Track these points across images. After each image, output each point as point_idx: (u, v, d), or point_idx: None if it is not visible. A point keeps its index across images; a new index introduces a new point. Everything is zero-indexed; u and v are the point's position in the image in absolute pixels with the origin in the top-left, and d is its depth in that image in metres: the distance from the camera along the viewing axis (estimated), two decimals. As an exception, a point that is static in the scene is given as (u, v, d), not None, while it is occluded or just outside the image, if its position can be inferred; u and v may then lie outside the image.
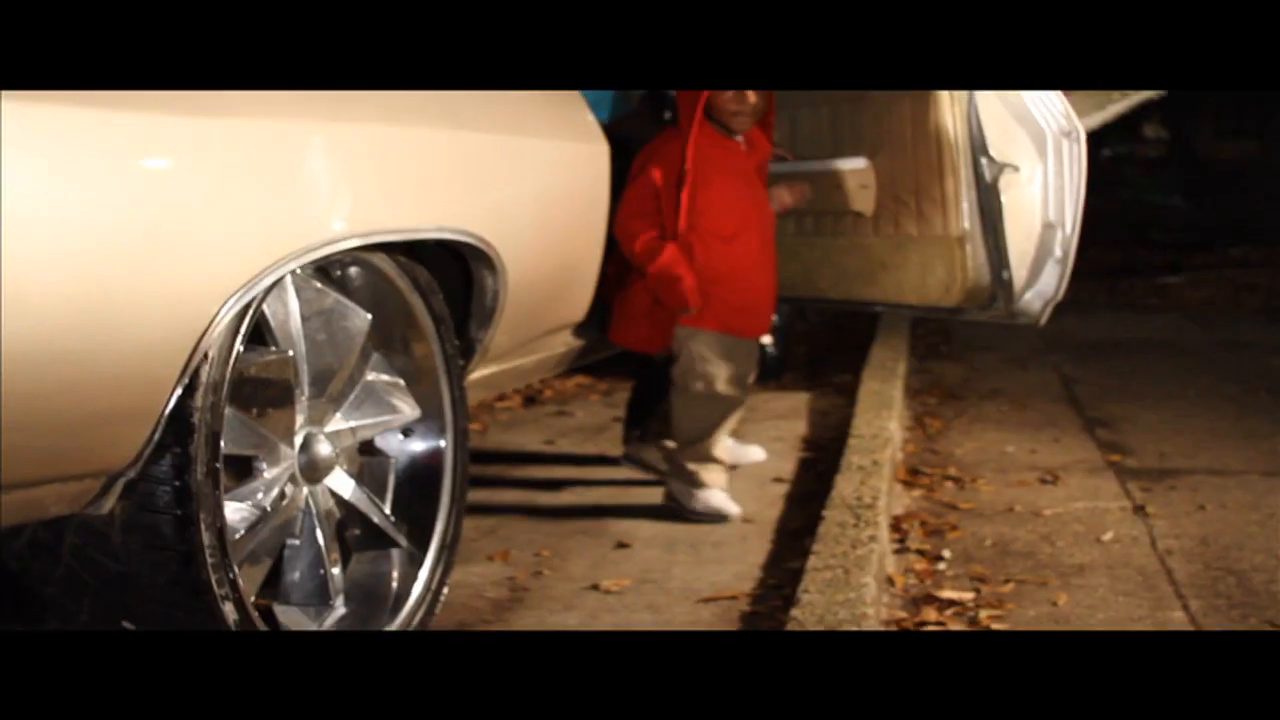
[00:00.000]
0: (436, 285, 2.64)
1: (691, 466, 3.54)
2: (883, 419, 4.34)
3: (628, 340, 3.59)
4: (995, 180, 3.48)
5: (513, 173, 2.80)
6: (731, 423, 3.61)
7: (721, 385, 3.54)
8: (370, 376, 2.58)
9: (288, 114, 2.08)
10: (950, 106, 3.49)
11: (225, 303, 1.92)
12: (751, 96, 3.49)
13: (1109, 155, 23.13)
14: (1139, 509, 3.72)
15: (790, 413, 3.55)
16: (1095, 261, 9.59)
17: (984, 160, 3.49)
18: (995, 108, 3.51)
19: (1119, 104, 9.89)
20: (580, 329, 3.40)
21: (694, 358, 3.52)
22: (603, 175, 3.21)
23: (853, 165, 3.76)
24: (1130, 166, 22.73)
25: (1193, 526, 3.55)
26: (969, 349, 6.52)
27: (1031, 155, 3.52)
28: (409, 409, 2.64)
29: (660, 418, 3.88)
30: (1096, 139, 9.80)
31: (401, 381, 2.65)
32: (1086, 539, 3.46)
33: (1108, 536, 3.46)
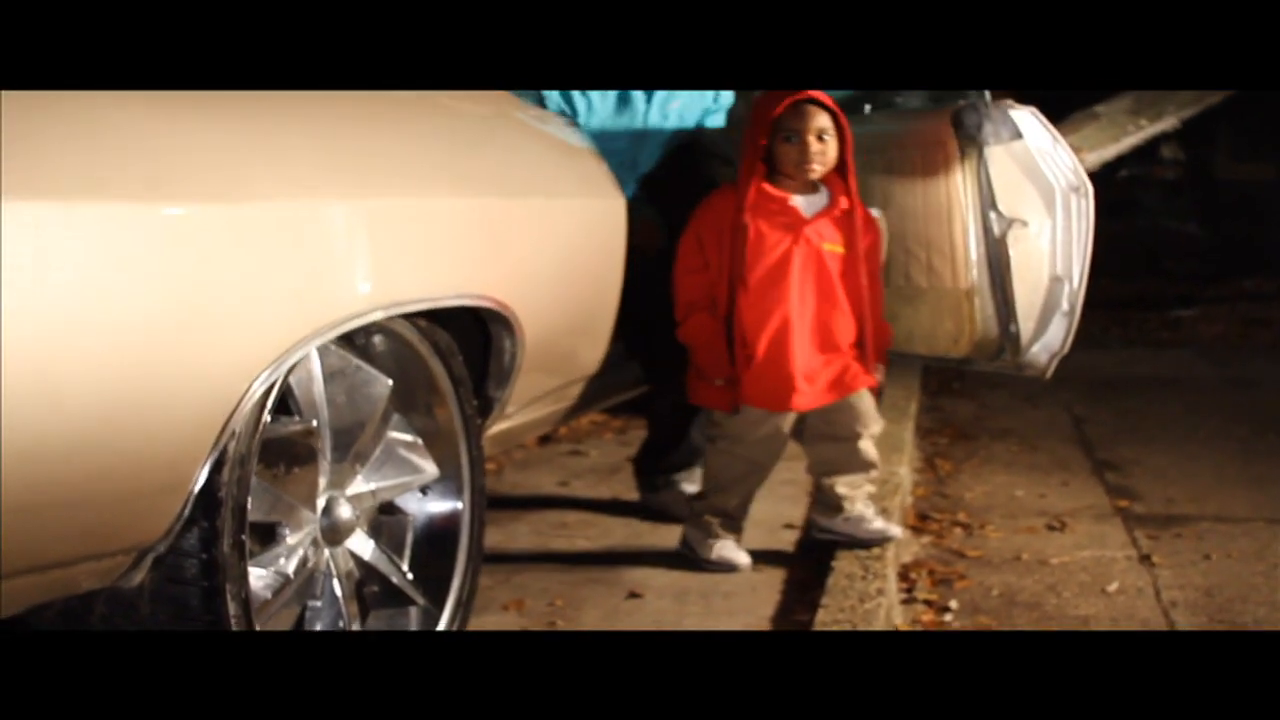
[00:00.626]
0: (456, 348, 2.71)
1: (708, 517, 3.59)
2: (893, 463, 4.39)
3: (705, 400, 3.56)
4: (1004, 234, 3.54)
5: (531, 235, 2.87)
6: (751, 486, 3.61)
7: (743, 449, 3.54)
8: (390, 436, 2.65)
9: (311, 192, 2.15)
10: (960, 161, 3.56)
11: (254, 380, 1.99)
12: (812, 144, 3.36)
13: (1125, 176, 23.09)
14: (1145, 558, 3.77)
15: (801, 454, 3.60)
16: (1108, 292, 9.61)
17: (993, 214, 3.55)
18: (1005, 163, 3.57)
19: (1134, 136, 9.97)
20: (596, 379, 3.46)
21: (721, 419, 3.56)
22: (619, 230, 3.27)
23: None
24: (1146, 189, 22.67)
25: (1198, 577, 3.60)
26: (980, 385, 6.56)
27: (1040, 210, 3.57)
28: (428, 469, 2.70)
29: (672, 465, 3.95)
30: (1113, 163, 9.84)
31: (420, 441, 2.71)
32: (1092, 589, 3.51)
33: (1113, 587, 3.52)
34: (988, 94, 3.61)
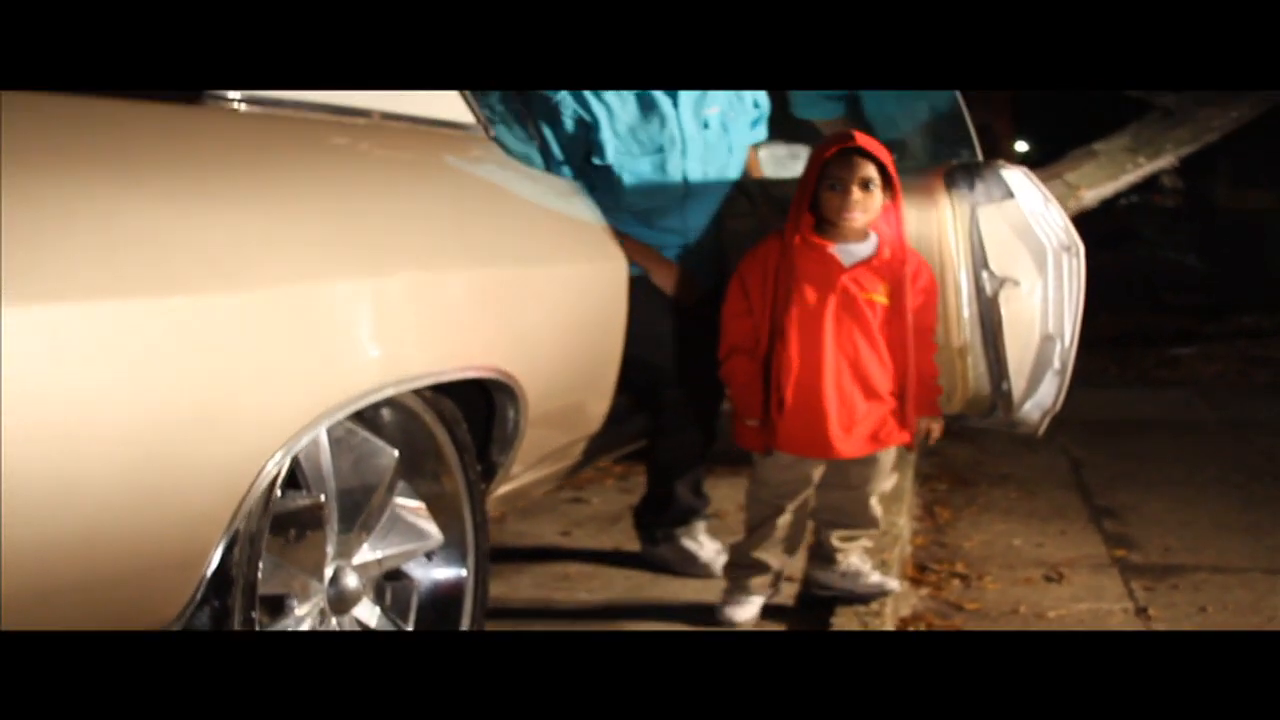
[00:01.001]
0: (460, 415, 2.77)
1: (732, 567, 3.63)
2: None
3: (742, 440, 3.55)
4: (996, 294, 3.61)
5: (533, 303, 2.93)
6: (771, 530, 3.58)
7: (767, 492, 3.57)
8: (396, 503, 2.71)
9: (317, 276, 2.20)
10: (953, 220, 3.62)
11: (266, 464, 2.05)
12: (854, 192, 3.33)
13: (1124, 205, 23.20)
14: (1141, 610, 3.82)
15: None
16: (1107, 327, 9.70)
17: (985, 274, 3.62)
18: (997, 222, 3.64)
19: (1132, 173, 10.04)
20: (600, 435, 3.52)
21: (756, 461, 3.58)
22: (620, 291, 3.34)
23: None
24: (1145, 218, 22.79)
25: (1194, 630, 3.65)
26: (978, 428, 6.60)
27: (1031, 270, 3.64)
28: (433, 534, 2.76)
29: (671, 520, 4.00)
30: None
31: (425, 507, 2.77)
32: (1088, 644, 3.56)
33: (1108, 642, 3.56)
34: (980, 154, 3.69)
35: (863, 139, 3.35)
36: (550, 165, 3.56)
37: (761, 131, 4.04)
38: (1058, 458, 6.00)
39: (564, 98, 3.63)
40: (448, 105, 2.96)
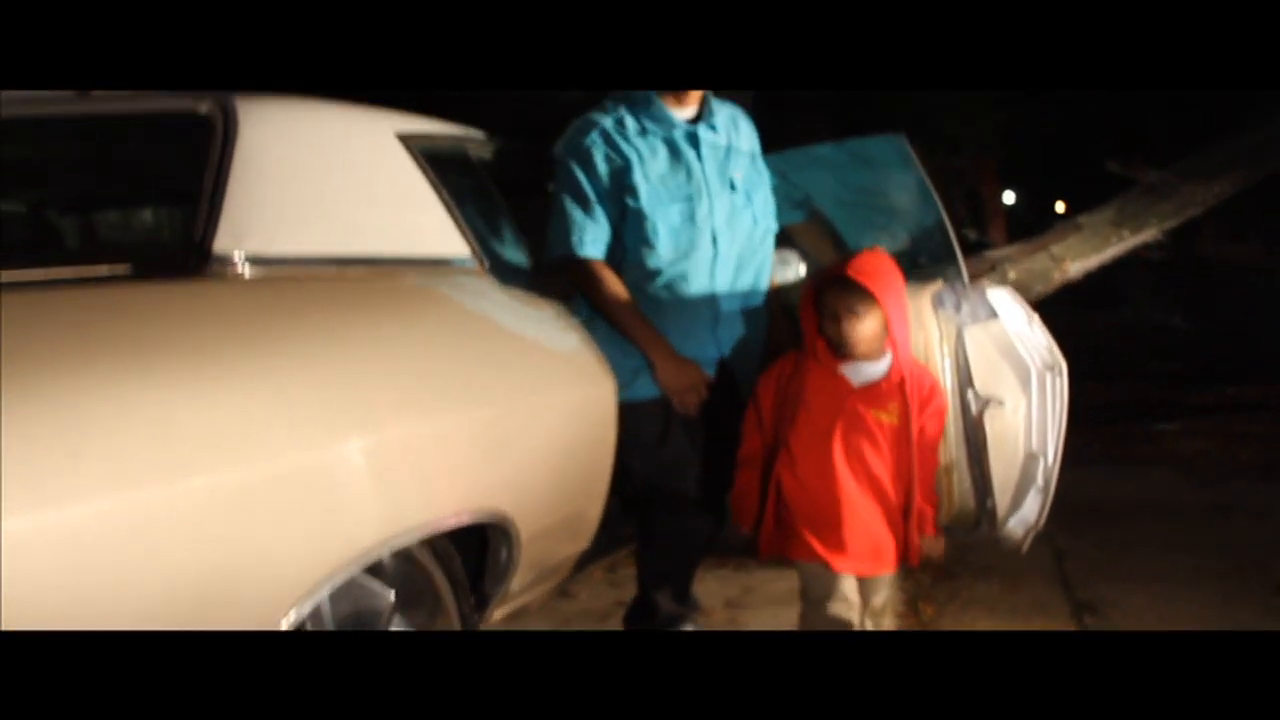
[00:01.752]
0: (454, 551, 2.83)
1: None
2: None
3: (772, 549, 3.59)
4: (981, 412, 3.68)
5: (527, 438, 3.01)
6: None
7: (810, 609, 3.59)
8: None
9: (317, 444, 2.28)
10: (940, 341, 3.70)
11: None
12: (844, 324, 3.35)
13: (1110, 263, 23.23)
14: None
15: (789, 596, 3.69)
16: (1093, 398, 9.74)
17: (970, 393, 3.69)
18: (982, 342, 3.71)
19: (1116, 246, 10.14)
20: (591, 548, 3.58)
21: (799, 571, 3.60)
22: (609, 416, 3.41)
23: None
24: (1130, 278, 22.86)
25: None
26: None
27: (1016, 389, 3.71)
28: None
29: (660, 625, 4.05)
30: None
31: (419, 639, 2.82)
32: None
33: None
34: (965, 275, 3.76)
35: (855, 267, 3.37)
36: (589, 211, 3.61)
37: (786, 217, 4.11)
38: (1041, 547, 6.03)
39: (595, 140, 3.64)
40: (440, 241, 3.05)
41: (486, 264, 3.25)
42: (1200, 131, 11.55)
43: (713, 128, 3.75)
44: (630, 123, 3.66)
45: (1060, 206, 35.49)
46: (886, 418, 3.44)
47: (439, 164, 3.32)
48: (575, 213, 3.61)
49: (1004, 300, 3.73)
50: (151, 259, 2.60)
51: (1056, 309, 11.16)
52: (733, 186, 3.77)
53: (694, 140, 3.71)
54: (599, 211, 3.62)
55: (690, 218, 3.67)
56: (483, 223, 3.42)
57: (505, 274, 3.36)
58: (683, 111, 3.72)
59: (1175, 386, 11.24)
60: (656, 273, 3.66)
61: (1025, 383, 3.72)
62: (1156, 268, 23.25)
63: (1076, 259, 10.11)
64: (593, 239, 3.62)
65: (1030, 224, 31.59)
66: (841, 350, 3.40)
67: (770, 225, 3.92)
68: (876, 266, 3.40)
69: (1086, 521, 6.51)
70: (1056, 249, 10.11)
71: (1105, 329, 15.81)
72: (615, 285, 3.63)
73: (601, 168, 3.62)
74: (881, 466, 3.44)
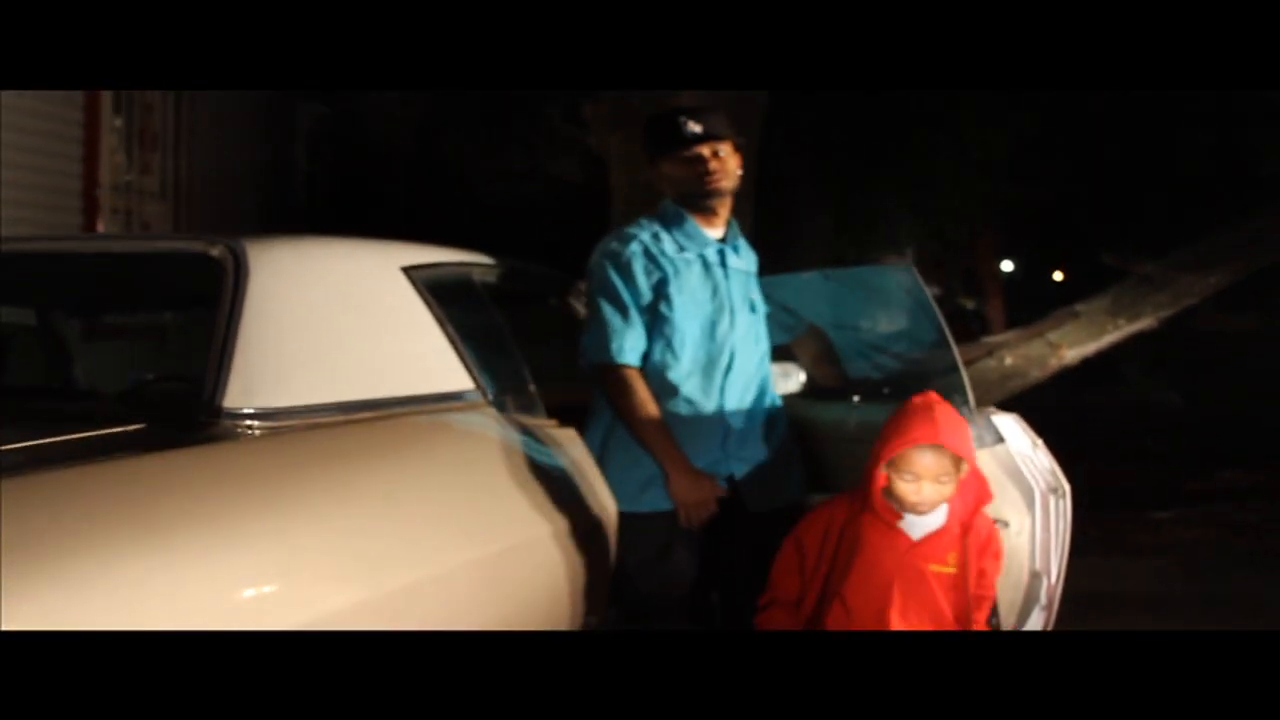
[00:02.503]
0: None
1: None
2: None
3: None
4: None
5: (527, 569, 3.03)
6: None
7: None
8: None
9: (327, 601, 2.29)
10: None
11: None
12: (939, 487, 3.18)
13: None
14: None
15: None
16: (1090, 481, 9.72)
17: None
18: (988, 465, 3.72)
19: (1113, 334, 10.19)
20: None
21: None
22: (609, 536, 3.43)
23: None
24: (1128, 354, 22.90)
25: None
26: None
27: (1021, 510, 3.72)
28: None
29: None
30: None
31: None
32: None
33: None
34: (971, 400, 3.78)
35: (944, 433, 3.19)
36: (627, 319, 3.60)
37: (779, 335, 4.12)
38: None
39: (635, 251, 3.66)
40: (443, 377, 3.08)
41: (490, 394, 3.25)
42: (1196, 219, 11.67)
43: (736, 249, 3.82)
44: (666, 238, 3.70)
45: (1059, 275, 35.71)
46: (945, 569, 3.28)
47: (442, 293, 3.34)
48: (615, 320, 3.62)
49: (1010, 425, 3.75)
50: (165, 414, 2.61)
51: (1051, 386, 11.26)
52: (752, 308, 3.83)
53: (723, 259, 3.77)
54: (637, 320, 3.63)
55: (712, 334, 3.70)
56: (484, 349, 3.43)
57: (507, 399, 3.36)
58: (713, 231, 3.76)
59: (1172, 470, 11.26)
60: (676, 385, 3.65)
61: (1030, 505, 3.73)
62: (1152, 340, 23.29)
63: (1073, 346, 10.21)
64: (631, 346, 3.62)
65: (1028, 293, 31.78)
66: (906, 508, 3.24)
67: (768, 349, 3.94)
68: (958, 428, 3.25)
69: (1080, 615, 6.47)
70: (1053, 336, 10.21)
71: (1101, 407, 15.85)
72: (646, 395, 3.60)
73: (641, 278, 3.65)
74: (940, 614, 3.27)
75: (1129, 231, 16.23)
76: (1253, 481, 10.55)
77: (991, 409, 3.79)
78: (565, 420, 3.63)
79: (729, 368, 3.72)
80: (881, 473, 3.18)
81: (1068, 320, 10.11)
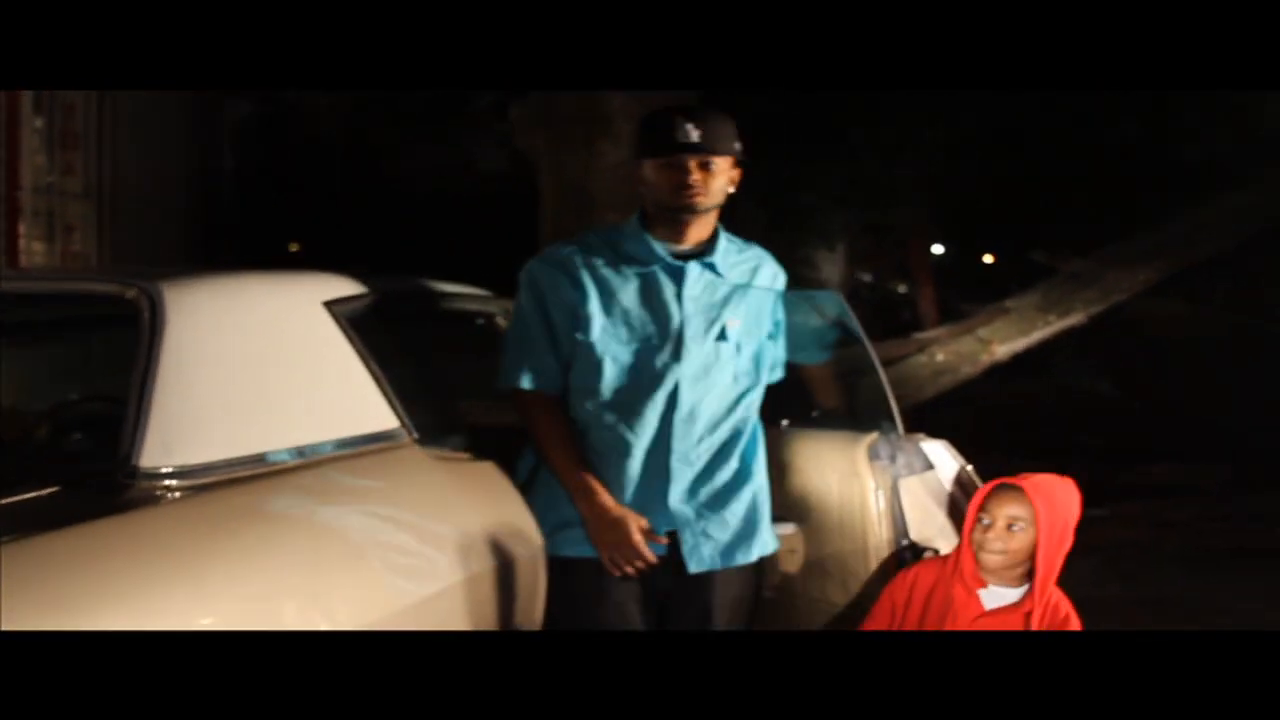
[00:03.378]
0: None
1: None
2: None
3: None
4: (917, 561, 3.68)
5: (457, 614, 2.96)
6: None
7: None
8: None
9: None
10: (875, 492, 3.70)
11: None
12: (999, 533, 3.16)
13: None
14: None
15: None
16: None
17: (905, 543, 3.69)
18: (917, 493, 3.73)
19: (1043, 330, 10.28)
20: None
21: None
22: (537, 577, 3.36)
23: (781, 530, 3.93)
24: (1057, 340, 23.06)
25: None
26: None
27: (950, 537, 3.73)
28: None
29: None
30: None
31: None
32: None
33: None
34: (900, 427, 3.77)
35: (1033, 481, 3.17)
36: (532, 341, 3.33)
37: (779, 371, 3.63)
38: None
39: (550, 267, 3.35)
40: (368, 417, 3.03)
41: (414, 432, 3.19)
42: (1126, 212, 11.75)
43: (711, 266, 3.34)
44: (604, 252, 3.32)
45: (989, 258, 35.96)
46: None
47: (366, 327, 3.25)
48: (518, 342, 3.35)
49: (939, 451, 3.75)
50: (81, 473, 2.55)
51: (981, 375, 11.32)
52: (722, 336, 3.35)
53: (678, 277, 3.32)
54: (544, 343, 3.31)
55: (649, 362, 3.30)
56: (409, 383, 3.36)
57: (432, 435, 3.30)
58: (677, 246, 3.32)
59: (1104, 464, 11.32)
60: (597, 416, 3.30)
61: (960, 532, 3.72)
62: (1080, 331, 23.48)
63: (1004, 342, 10.30)
64: (532, 370, 3.31)
65: (958, 276, 31.98)
66: (987, 570, 3.19)
67: (756, 385, 3.46)
68: (1053, 492, 3.19)
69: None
70: (984, 332, 10.30)
71: (1032, 397, 15.93)
72: (550, 424, 3.31)
73: (551, 296, 3.31)
74: None
75: (1058, 219, 16.37)
76: (1183, 477, 10.65)
77: (921, 435, 3.78)
78: (502, 443, 3.53)
79: (672, 404, 3.29)
80: (971, 536, 3.19)
81: (998, 317, 10.21)
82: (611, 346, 3.29)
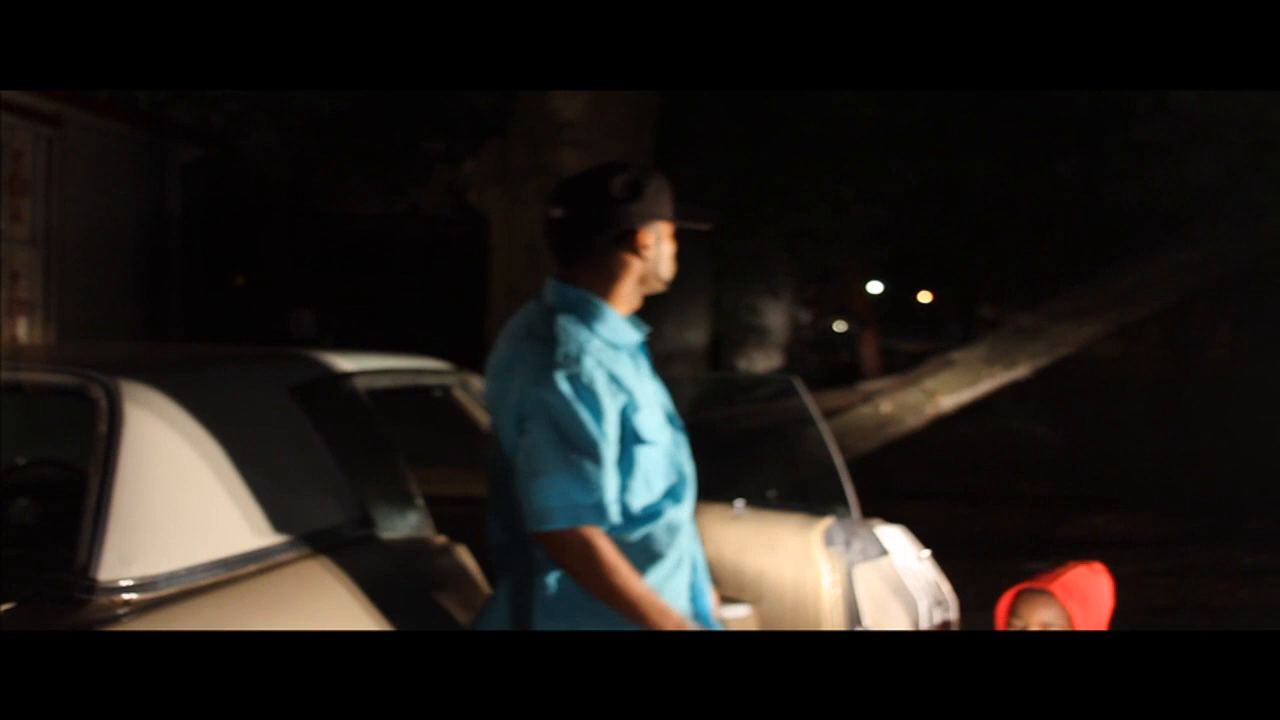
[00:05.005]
0: None
1: None
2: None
3: None
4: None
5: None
6: None
7: None
8: None
9: None
10: (830, 577, 3.71)
11: None
12: (1030, 623, 3.15)
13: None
14: None
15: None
16: (964, 527, 9.87)
17: (859, 629, 3.70)
18: (871, 579, 3.74)
19: (988, 382, 10.34)
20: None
21: None
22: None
23: (735, 612, 3.94)
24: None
25: None
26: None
27: (904, 623, 3.75)
28: None
29: None
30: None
31: None
32: None
33: None
34: (855, 512, 3.79)
35: (1065, 584, 3.18)
36: (599, 460, 2.71)
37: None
38: None
39: (592, 367, 2.75)
40: (334, 512, 3.00)
41: (379, 523, 3.16)
42: (1073, 266, 11.91)
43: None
44: (594, 339, 2.82)
45: (925, 296, 36.34)
46: None
47: (331, 413, 3.23)
48: (589, 467, 2.69)
49: (894, 537, 3.77)
50: (38, 586, 2.50)
51: (926, 427, 11.34)
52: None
53: (644, 354, 3.00)
54: (611, 464, 2.74)
55: (676, 449, 2.98)
56: (374, 470, 3.33)
57: (397, 524, 3.28)
58: (631, 325, 2.94)
59: (1045, 514, 11.38)
60: (650, 518, 2.84)
61: (914, 618, 3.75)
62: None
63: (949, 393, 10.37)
64: (599, 501, 2.69)
65: (895, 314, 32.27)
66: None
67: None
68: (1085, 592, 3.17)
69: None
70: (929, 383, 10.36)
71: (971, 440, 15.98)
72: (616, 553, 2.70)
73: (606, 402, 2.74)
74: None
75: (1000, 266, 16.49)
76: (1124, 528, 10.70)
77: (876, 520, 3.81)
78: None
79: (685, 482, 2.96)
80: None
81: (943, 369, 10.28)
82: (659, 443, 2.86)
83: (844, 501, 3.84)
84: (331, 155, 12.00)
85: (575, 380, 2.69)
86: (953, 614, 3.78)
